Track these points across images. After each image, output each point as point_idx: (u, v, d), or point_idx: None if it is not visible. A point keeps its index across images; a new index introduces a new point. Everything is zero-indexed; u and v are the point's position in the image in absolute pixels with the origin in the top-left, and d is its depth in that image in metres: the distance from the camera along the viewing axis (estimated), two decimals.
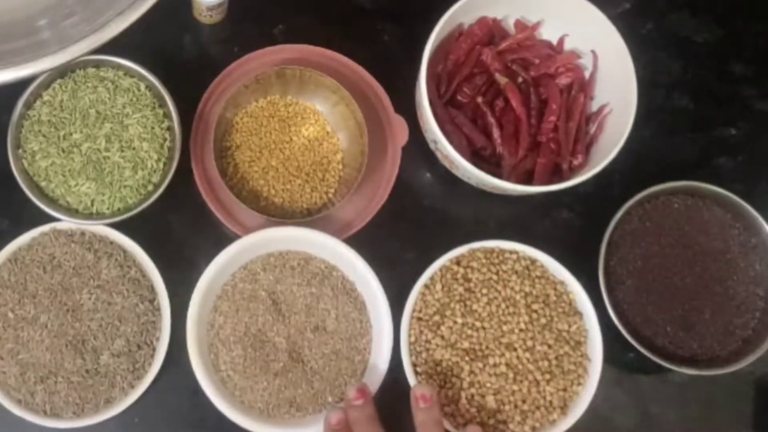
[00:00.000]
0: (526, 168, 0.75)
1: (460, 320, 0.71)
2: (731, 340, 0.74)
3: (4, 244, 0.71)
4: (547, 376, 0.70)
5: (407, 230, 0.78)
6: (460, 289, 0.72)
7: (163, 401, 0.72)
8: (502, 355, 0.70)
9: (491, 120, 0.75)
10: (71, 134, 0.71)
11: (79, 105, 0.72)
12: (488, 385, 0.70)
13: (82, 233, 0.72)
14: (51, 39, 0.67)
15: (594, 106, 0.77)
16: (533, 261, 0.73)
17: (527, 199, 0.78)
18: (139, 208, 0.70)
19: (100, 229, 0.72)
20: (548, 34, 0.79)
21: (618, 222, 0.74)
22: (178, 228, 0.75)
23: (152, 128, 0.72)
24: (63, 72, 0.72)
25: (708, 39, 0.84)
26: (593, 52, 0.76)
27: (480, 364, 0.70)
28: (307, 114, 0.77)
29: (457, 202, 0.78)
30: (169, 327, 0.70)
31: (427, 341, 0.71)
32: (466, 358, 0.70)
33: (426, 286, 0.72)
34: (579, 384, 0.71)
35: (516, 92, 0.75)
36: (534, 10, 0.78)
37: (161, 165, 0.72)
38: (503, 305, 0.71)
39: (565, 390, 0.71)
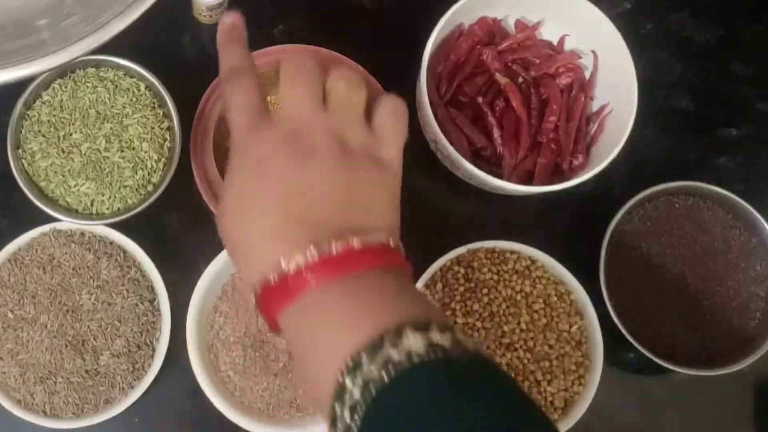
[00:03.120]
0: (527, 168, 0.75)
1: (460, 320, 0.71)
2: (732, 340, 0.74)
3: (3, 244, 0.71)
4: (548, 377, 0.70)
5: (407, 230, 0.77)
6: (461, 289, 0.72)
7: (163, 401, 0.72)
8: (503, 355, 0.70)
9: (492, 120, 0.75)
10: (71, 134, 0.71)
11: (79, 105, 0.71)
12: None
13: (82, 233, 0.72)
14: (51, 39, 0.67)
15: (594, 106, 0.77)
16: (534, 261, 0.73)
17: (527, 199, 0.78)
18: (139, 208, 0.70)
19: (100, 229, 0.72)
20: (548, 34, 0.78)
21: (618, 222, 0.74)
22: (178, 228, 0.75)
23: (152, 128, 0.72)
24: (63, 72, 0.72)
25: (708, 39, 0.84)
26: (594, 52, 0.76)
27: None
28: None
29: (457, 203, 0.78)
30: (169, 327, 0.70)
31: None
32: None
33: (426, 286, 0.72)
34: (580, 384, 0.71)
35: (516, 92, 0.75)
36: (534, 10, 0.77)
37: (161, 165, 0.72)
38: (504, 305, 0.71)
39: (566, 390, 0.71)
